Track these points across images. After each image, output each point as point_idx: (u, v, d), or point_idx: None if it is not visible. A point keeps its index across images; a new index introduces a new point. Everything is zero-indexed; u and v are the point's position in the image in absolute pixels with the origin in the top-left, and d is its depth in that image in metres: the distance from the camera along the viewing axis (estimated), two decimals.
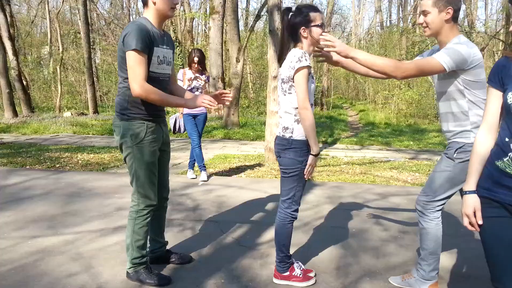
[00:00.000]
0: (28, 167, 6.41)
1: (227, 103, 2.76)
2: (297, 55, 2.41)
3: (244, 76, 19.47)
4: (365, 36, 32.56)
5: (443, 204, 2.55)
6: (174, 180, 5.62)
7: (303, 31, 2.47)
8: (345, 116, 20.38)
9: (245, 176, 6.05)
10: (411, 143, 10.40)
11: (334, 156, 7.98)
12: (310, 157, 2.52)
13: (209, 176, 5.81)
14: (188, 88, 5.46)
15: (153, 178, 2.63)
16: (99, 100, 20.84)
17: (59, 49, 19.96)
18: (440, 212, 2.57)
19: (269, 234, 3.60)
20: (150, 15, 2.52)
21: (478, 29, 17.34)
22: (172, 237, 3.48)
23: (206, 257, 3.09)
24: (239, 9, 14.36)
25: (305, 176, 2.56)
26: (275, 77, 6.90)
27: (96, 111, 16.30)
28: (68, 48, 23.29)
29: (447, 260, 3.12)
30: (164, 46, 2.58)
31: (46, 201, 4.49)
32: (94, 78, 18.59)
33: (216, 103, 2.61)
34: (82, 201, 4.49)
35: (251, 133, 11.00)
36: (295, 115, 2.51)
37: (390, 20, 33.75)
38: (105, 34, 25.80)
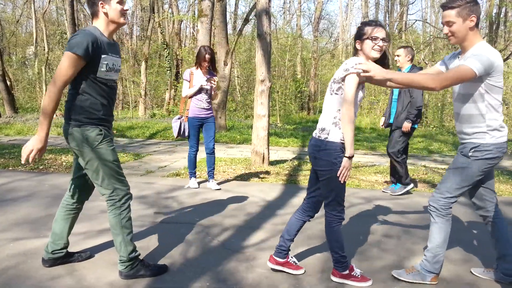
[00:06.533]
0: (11, 168, 6.32)
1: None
2: (352, 61, 2.50)
3: (232, 79, 19.47)
4: (352, 42, 32.90)
5: (456, 200, 2.70)
6: (160, 183, 5.60)
7: (357, 45, 2.59)
8: None
9: (232, 179, 6.05)
10: None
11: None
12: (344, 159, 2.51)
13: (200, 183, 5.67)
14: (196, 90, 5.04)
15: (121, 170, 2.70)
16: None
17: (44, 50, 19.72)
18: (451, 209, 2.71)
19: (255, 237, 3.61)
20: (100, 25, 2.59)
21: None
22: (157, 240, 3.46)
23: (191, 261, 3.09)
24: (227, 13, 14.38)
25: (340, 179, 2.55)
26: (262, 80, 6.94)
27: None
28: (53, 49, 23.02)
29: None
30: (114, 54, 2.66)
31: (29, 203, 4.43)
32: None
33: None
34: None
35: (238, 137, 11.00)
36: (334, 117, 2.55)
37: None
38: None
